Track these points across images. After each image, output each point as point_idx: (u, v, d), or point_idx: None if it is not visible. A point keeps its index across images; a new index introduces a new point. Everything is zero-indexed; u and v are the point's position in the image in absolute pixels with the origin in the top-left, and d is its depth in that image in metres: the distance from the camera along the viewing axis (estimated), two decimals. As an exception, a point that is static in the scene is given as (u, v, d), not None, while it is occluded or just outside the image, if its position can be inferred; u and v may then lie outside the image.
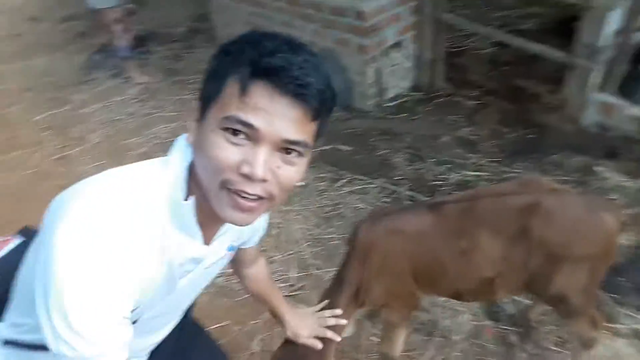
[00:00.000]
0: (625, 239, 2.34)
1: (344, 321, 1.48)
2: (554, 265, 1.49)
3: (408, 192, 2.98)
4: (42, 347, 0.90)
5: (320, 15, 3.79)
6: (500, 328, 2.23)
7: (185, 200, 0.83)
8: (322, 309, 1.52)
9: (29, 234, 1.15)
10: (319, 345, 1.40)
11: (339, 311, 1.50)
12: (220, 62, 0.78)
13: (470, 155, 3.21)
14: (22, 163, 3.97)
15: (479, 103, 3.65)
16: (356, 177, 3.20)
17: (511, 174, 2.98)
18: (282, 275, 2.67)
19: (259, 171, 0.73)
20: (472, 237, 1.51)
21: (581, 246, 1.47)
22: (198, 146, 0.79)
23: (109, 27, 4.53)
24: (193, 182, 0.83)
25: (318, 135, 0.81)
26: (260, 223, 1.18)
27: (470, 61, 3.85)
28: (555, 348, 2.08)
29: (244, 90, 0.72)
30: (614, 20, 2.86)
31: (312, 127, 0.78)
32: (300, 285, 2.61)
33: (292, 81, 0.72)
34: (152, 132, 4.15)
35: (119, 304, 0.76)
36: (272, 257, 2.78)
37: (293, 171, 0.78)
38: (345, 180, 3.19)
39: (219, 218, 0.84)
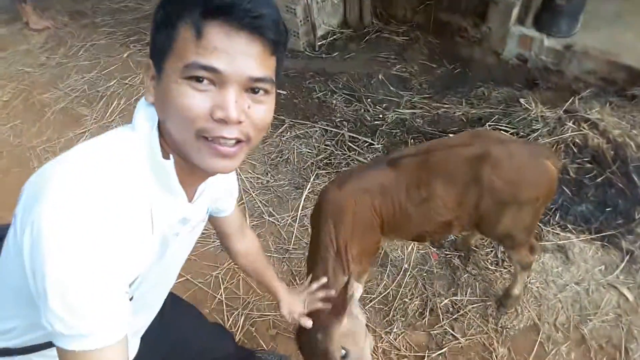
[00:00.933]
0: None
1: (332, 291, 1.52)
2: (501, 209, 1.67)
3: (350, 134, 3.08)
4: (36, 348, 0.90)
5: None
6: (445, 254, 2.48)
7: (165, 159, 0.81)
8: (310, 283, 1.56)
9: None
10: (309, 324, 1.39)
11: (324, 279, 1.55)
12: (167, 10, 0.73)
13: (404, 92, 3.34)
14: None
15: (407, 39, 3.74)
16: (297, 121, 3.23)
17: (442, 109, 3.16)
18: (237, 225, 2.72)
19: (233, 113, 0.72)
20: (429, 186, 1.65)
21: (526, 191, 1.65)
22: (162, 103, 0.76)
23: None
24: (164, 143, 0.80)
25: (277, 71, 0.80)
26: (233, 184, 1.18)
27: (397, -4, 3.88)
28: (493, 268, 2.37)
29: (199, 34, 0.70)
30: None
31: (272, 62, 0.77)
32: (256, 233, 2.69)
33: (247, 14, 0.70)
34: (69, 85, 3.84)
35: (117, 279, 0.74)
36: (223, 208, 2.82)
37: (264, 110, 0.78)
38: (286, 126, 3.22)
39: (197, 175, 0.84)
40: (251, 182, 2.93)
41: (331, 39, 3.88)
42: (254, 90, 0.75)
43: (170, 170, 0.80)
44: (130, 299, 0.86)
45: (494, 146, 1.62)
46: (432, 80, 3.42)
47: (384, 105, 3.25)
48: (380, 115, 3.18)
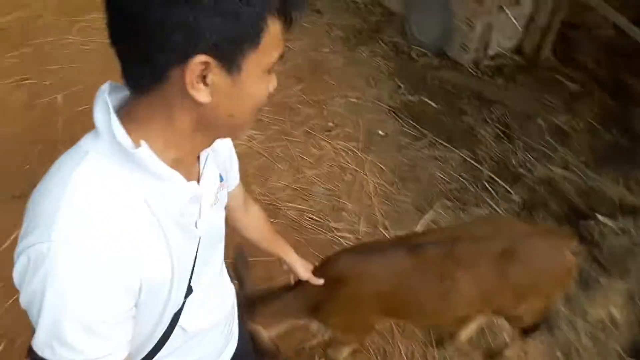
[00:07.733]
0: None
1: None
2: (521, 300, 1.69)
3: (490, 174, 2.93)
4: None
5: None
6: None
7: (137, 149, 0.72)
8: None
9: None
10: (320, 281, 1.49)
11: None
12: (250, 2, 0.64)
13: (560, 148, 3.09)
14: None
15: (581, 89, 3.43)
16: (439, 141, 3.12)
17: (596, 182, 2.90)
18: (353, 224, 2.71)
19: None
20: (452, 280, 1.61)
21: (547, 284, 1.70)
22: (231, 99, 0.71)
23: None
24: (130, 130, 0.71)
25: None
26: (233, 152, 1.10)
27: (585, 39, 3.54)
28: None
29: (290, 25, 0.70)
30: None
31: None
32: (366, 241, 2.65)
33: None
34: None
35: (122, 304, 0.73)
36: (342, 202, 2.81)
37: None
38: (426, 141, 3.11)
39: (191, 149, 0.80)
40: (375, 187, 2.89)
41: (499, 62, 3.64)
42: None
43: (148, 156, 0.72)
44: (190, 289, 0.88)
45: (519, 241, 1.63)
46: (595, 144, 3.13)
47: (535, 155, 3.04)
48: (528, 165, 2.98)
